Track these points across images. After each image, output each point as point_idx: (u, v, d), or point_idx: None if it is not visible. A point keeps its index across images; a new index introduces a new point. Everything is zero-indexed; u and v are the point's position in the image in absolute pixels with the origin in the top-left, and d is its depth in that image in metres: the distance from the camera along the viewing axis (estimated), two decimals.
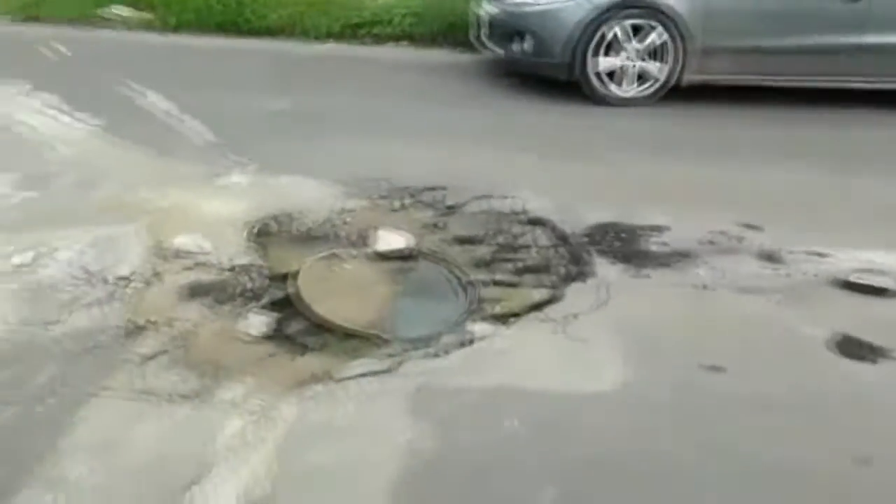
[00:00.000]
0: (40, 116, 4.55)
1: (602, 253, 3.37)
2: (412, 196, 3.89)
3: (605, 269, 3.23)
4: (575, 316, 2.85)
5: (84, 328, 2.63)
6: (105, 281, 2.89)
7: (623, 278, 3.17)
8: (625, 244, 3.45)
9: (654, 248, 3.43)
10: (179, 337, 2.64)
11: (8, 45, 6.06)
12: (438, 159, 4.37)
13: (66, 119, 4.57)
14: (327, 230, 3.57)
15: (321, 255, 3.35)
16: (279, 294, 3.05)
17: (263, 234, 3.46)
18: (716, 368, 2.63)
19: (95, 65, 5.66)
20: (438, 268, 3.40)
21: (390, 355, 2.66)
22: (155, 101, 5.01)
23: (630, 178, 4.29)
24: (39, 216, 3.35)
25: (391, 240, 3.49)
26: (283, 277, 3.19)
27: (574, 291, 3.06)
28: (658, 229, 3.61)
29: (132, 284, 2.89)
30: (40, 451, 2.07)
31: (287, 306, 3.00)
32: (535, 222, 3.71)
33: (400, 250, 3.43)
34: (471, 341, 2.73)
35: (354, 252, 3.42)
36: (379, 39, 7.14)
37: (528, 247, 3.54)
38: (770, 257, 3.44)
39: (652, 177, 4.30)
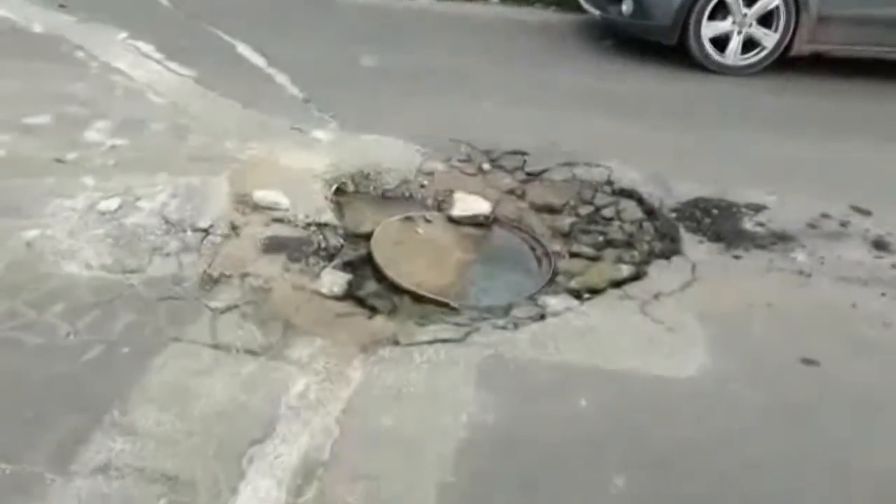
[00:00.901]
0: (135, 65, 4.64)
1: (691, 230, 3.17)
2: (493, 160, 3.77)
3: (694, 248, 3.04)
4: (657, 296, 2.69)
5: (161, 278, 2.67)
6: (184, 231, 2.92)
7: (713, 259, 2.98)
8: (717, 222, 3.24)
9: (748, 227, 3.21)
10: (252, 292, 2.65)
11: None
12: (523, 123, 4.22)
13: (160, 68, 4.64)
14: (404, 192, 3.52)
15: (396, 217, 3.30)
16: (352, 254, 3.02)
17: (341, 193, 3.43)
18: (809, 362, 2.43)
19: (192, 15, 5.72)
20: (514, 236, 3.29)
21: (459, 324, 2.59)
22: (246, 53, 5.02)
23: (728, 150, 4.02)
24: (128, 163, 3.42)
25: (468, 205, 3.40)
26: (358, 238, 3.17)
27: (658, 270, 2.89)
28: (755, 207, 3.37)
29: (210, 237, 2.92)
30: (113, 397, 2.12)
31: (359, 267, 2.98)
32: (622, 193, 3.53)
33: (475, 216, 3.34)
34: (543, 316, 2.63)
35: (429, 216, 3.36)
36: None
37: (611, 219, 3.38)
38: (877, 245, 3.16)
39: (752, 151, 4.02)
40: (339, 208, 3.33)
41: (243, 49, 5.07)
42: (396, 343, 2.44)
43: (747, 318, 2.63)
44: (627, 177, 3.62)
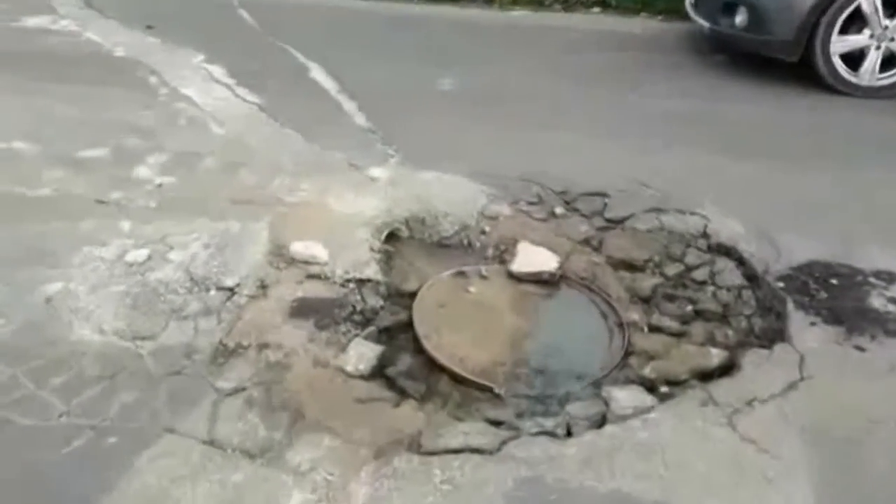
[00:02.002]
0: (204, 91, 4.49)
1: (802, 306, 2.57)
2: (567, 203, 3.31)
3: (804, 332, 2.44)
4: (750, 402, 2.13)
5: (173, 347, 2.39)
6: (208, 291, 2.65)
7: (827, 349, 2.36)
8: (836, 296, 2.61)
9: (878, 306, 2.56)
10: (267, 369, 2.33)
11: (197, 12, 6.20)
12: (608, 157, 3.72)
13: (228, 95, 4.47)
14: (462, 240, 3.13)
15: (446, 272, 2.90)
16: (391, 319, 2.66)
17: (391, 240, 3.07)
18: None
19: (273, 35, 5.58)
20: (584, 299, 2.81)
21: (498, 423, 2.16)
22: (318, 77, 4.80)
23: (858, 197, 3.33)
24: (169, 205, 3.21)
25: (531, 258, 2.95)
26: (401, 296, 2.80)
27: (755, 361, 2.32)
28: (888, 277, 2.71)
29: (235, 297, 2.63)
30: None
31: (397, 335, 2.62)
32: (719, 251, 2.99)
33: (539, 273, 2.89)
34: (604, 418, 2.15)
35: (486, 270, 2.94)
36: (569, 6, 6.49)
37: (704, 284, 2.85)
38: None
39: (889, 198, 3.31)
40: (386, 260, 2.97)
41: (316, 72, 4.86)
42: (418, 448, 2.04)
43: (869, 442, 2.01)
44: (728, 229, 3.05)
